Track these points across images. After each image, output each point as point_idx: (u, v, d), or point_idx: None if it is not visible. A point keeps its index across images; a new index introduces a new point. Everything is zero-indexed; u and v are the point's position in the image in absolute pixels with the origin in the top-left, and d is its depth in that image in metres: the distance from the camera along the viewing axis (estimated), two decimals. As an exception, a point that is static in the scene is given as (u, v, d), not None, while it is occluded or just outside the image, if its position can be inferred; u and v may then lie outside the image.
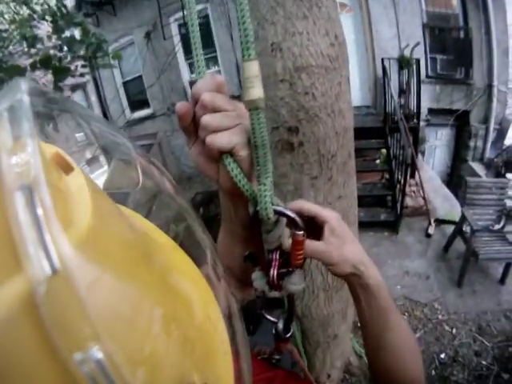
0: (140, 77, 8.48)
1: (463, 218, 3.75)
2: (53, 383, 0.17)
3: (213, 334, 0.31)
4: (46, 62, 2.94)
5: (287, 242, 0.54)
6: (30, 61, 2.94)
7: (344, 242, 0.57)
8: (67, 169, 0.25)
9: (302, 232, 0.52)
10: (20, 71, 2.72)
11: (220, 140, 0.44)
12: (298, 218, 0.51)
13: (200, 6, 6.18)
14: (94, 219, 0.21)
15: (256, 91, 0.42)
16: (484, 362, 2.86)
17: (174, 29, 7.48)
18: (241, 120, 0.45)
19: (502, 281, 3.58)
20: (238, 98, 0.46)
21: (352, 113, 1.63)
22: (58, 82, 3.11)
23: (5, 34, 3.71)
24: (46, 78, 3.13)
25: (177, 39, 7.32)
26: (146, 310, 0.22)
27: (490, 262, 3.65)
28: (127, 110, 8.98)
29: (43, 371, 0.17)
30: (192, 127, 0.46)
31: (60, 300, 0.17)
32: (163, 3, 6.88)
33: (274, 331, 0.66)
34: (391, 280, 3.79)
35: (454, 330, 3.16)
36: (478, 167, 6.54)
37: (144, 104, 8.64)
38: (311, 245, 0.56)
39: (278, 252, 0.54)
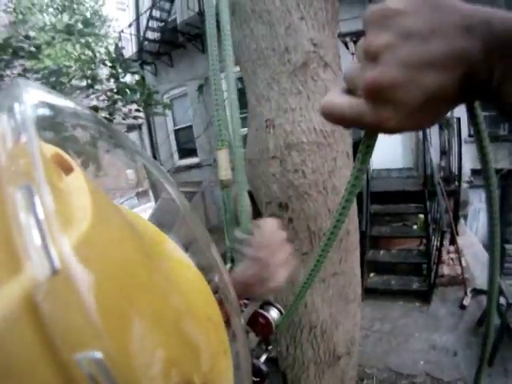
0: (190, 126, 8.90)
1: (500, 290, 3.43)
2: (53, 383, 0.17)
3: (213, 334, 0.31)
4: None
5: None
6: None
7: None
8: (67, 169, 0.25)
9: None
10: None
11: None
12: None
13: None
14: (94, 219, 0.21)
15: (225, 173, 0.55)
16: None
17: (225, 84, 7.96)
18: None
19: (538, 360, 3.19)
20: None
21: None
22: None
23: (70, 70, 4.15)
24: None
25: (226, 94, 7.70)
26: (148, 309, 0.22)
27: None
28: (176, 156, 9.44)
29: (44, 371, 0.17)
30: None
31: (60, 300, 0.17)
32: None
33: None
34: (415, 355, 3.54)
35: (480, 413, 2.83)
36: (524, 231, 6.05)
37: (192, 152, 9.01)
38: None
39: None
